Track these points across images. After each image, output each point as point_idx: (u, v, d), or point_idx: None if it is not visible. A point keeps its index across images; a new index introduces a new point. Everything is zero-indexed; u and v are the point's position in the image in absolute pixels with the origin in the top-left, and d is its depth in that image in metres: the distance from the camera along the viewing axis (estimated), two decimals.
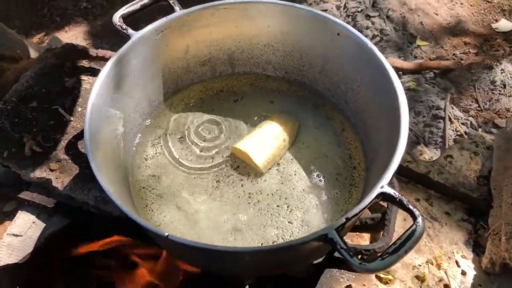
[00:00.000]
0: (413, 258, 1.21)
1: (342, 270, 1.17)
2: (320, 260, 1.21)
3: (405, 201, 0.88)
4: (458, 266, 1.22)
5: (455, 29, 2.38)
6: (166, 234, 0.86)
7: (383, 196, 0.89)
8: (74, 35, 2.40)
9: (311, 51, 1.28)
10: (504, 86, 2.07)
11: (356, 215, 0.87)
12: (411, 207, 0.88)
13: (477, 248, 1.27)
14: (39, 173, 1.29)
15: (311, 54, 1.29)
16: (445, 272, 1.20)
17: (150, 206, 1.16)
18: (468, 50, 2.26)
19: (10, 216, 1.33)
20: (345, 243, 0.83)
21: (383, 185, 0.90)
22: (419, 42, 2.28)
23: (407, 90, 2.02)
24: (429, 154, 1.85)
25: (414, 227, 0.85)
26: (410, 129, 1.94)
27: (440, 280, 1.19)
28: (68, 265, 1.36)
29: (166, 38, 1.24)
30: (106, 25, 2.45)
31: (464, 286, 1.18)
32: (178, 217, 1.13)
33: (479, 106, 2.04)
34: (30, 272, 1.29)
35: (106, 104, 1.11)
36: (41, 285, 1.36)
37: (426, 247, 1.24)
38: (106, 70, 1.11)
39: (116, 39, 2.44)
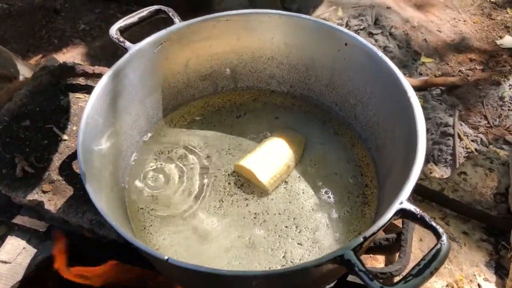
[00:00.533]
0: (432, 281, 1.13)
1: None
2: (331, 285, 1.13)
3: (427, 218, 0.81)
4: None
5: (460, 46, 2.34)
6: (166, 257, 0.78)
7: (403, 213, 0.82)
8: (72, 56, 2.36)
9: (317, 63, 1.23)
10: None
11: (373, 234, 0.79)
12: (434, 224, 0.80)
13: (500, 270, 1.19)
14: (31, 195, 1.21)
15: (317, 66, 1.23)
16: None
17: (148, 229, 1.08)
18: (474, 66, 2.22)
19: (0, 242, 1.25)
20: (363, 264, 0.76)
21: (402, 201, 0.82)
22: (423, 59, 2.24)
23: None
24: (439, 172, 1.78)
25: (439, 246, 0.77)
26: None
27: None
28: None
29: (165, 51, 1.18)
30: (104, 46, 2.42)
31: None
32: (179, 240, 1.06)
33: (488, 122, 1.98)
34: None
35: (101, 121, 1.04)
36: None
37: (445, 270, 1.15)
38: (102, 84, 1.06)
39: (114, 60, 2.39)
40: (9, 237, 1.22)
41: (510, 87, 2.06)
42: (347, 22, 2.36)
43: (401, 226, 1.17)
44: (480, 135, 1.91)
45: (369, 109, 1.15)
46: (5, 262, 1.17)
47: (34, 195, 1.21)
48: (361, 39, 1.11)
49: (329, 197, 1.12)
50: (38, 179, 1.25)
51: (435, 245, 0.77)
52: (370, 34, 2.26)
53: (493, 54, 2.28)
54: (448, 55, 2.28)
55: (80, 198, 1.21)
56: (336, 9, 2.48)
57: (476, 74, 2.16)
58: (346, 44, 1.13)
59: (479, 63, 2.23)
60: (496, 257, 1.22)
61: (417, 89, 2.05)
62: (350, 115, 1.23)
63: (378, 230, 0.80)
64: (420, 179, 1.35)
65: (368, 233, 0.79)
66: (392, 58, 2.18)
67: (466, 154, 1.83)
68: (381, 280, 0.85)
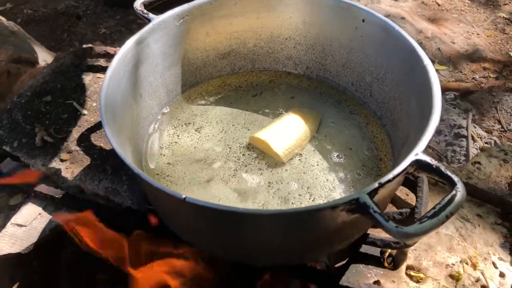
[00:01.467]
0: (445, 256, 1.11)
1: (370, 266, 1.07)
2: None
3: (442, 168, 0.81)
4: (496, 267, 1.12)
5: (473, 56, 2.36)
6: (184, 196, 0.79)
7: (418, 163, 0.83)
8: None
9: (334, 42, 1.25)
10: None
11: (388, 181, 0.80)
12: (449, 173, 0.80)
13: None
14: (49, 163, 1.24)
15: (334, 45, 1.26)
16: (482, 273, 1.10)
17: None
18: (487, 74, 2.24)
19: (16, 210, 1.26)
20: (378, 207, 0.76)
21: (418, 153, 0.83)
22: (437, 66, 2.26)
23: None
24: None
25: (454, 192, 0.77)
26: (432, 148, 1.88)
27: (477, 281, 1.08)
28: (75, 262, 1.27)
29: (187, 26, 1.22)
30: None
31: None
32: None
33: (502, 127, 1.98)
34: (33, 267, 1.21)
35: (122, 83, 1.07)
36: (44, 285, 1.27)
37: (459, 246, 1.14)
38: (125, 48, 1.09)
39: None
40: (26, 203, 1.24)
41: None
42: None
43: (414, 204, 1.17)
44: (494, 137, 1.91)
45: (385, 85, 1.17)
46: (21, 226, 1.18)
47: (52, 163, 1.24)
48: (378, 14, 1.14)
49: (343, 169, 1.13)
50: (57, 148, 1.27)
51: (451, 191, 0.77)
52: None
53: (507, 64, 2.30)
54: (461, 63, 2.30)
55: (97, 167, 1.23)
56: None
57: (489, 82, 2.18)
58: (363, 21, 1.16)
59: (493, 71, 2.25)
60: (511, 240, 1.20)
61: None
62: (365, 94, 1.25)
63: (394, 178, 0.80)
64: None
65: (383, 180, 0.79)
66: None
67: None
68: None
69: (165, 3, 1.27)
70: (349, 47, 1.23)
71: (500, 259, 1.15)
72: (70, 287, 1.31)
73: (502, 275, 1.11)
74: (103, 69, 1.51)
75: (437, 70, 2.23)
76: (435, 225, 0.74)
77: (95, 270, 1.27)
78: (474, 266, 1.11)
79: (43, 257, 1.22)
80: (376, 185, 0.79)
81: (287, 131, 1.17)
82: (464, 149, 1.85)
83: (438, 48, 2.34)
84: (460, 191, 0.78)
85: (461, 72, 2.25)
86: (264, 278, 1.18)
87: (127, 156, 0.90)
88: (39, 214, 1.22)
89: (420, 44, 2.30)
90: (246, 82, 1.36)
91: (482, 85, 2.14)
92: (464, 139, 1.88)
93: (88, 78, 1.46)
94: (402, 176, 0.85)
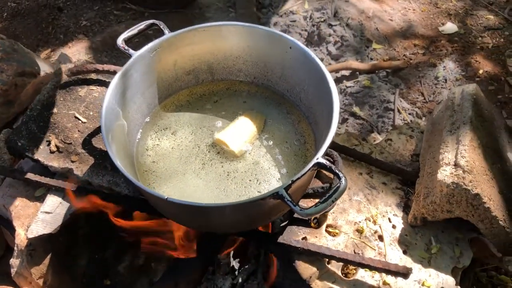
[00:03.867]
0: (354, 216, 1.58)
1: (300, 226, 1.54)
2: (285, 223, 1.58)
3: (333, 167, 1.24)
4: (390, 221, 1.59)
5: (407, 33, 2.76)
6: (165, 196, 1.22)
7: (319, 165, 1.26)
8: (77, 50, 2.76)
9: (272, 60, 1.65)
10: (446, 80, 2.45)
11: (298, 178, 1.23)
12: (337, 171, 1.24)
13: (406, 209, 1.64)
14: (63, 164, 1.64)
15: (272, 63, 1.66)
16: (380, 226, 1.57)
17: (152, 185, 1.51)
18: (416, 51, 2.64)
19: (40, 199, 1.68)
20: (290, 196, 1.19)
21: (318, 157, 1.26)
22: (374, 45, 2.66)
23: (363, 87, 2.40)
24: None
25: (339, 184, 1.21)
26: (366, 120, 2.32)
27: (375, 232, 1.55)
28: (89, 236, 1.71)
29: (158, 55, 1.60)
30: (104, 40, 2.81)
31: (393, 236, 1.55)
32: (174, 192, 1.49)
33: (424, 98, 2.42)
34: (59, 242, 1.65)
35: (115, 108, 1.47)
36: (68, 257, 1.71)
37: (365, 208, 1.61)
38: (114, 82, 1.47)
39: (113, 52, 2.80)
40: (48, 195, 1.65)
41: (444, 68, 2.49)
42: (310, 15, 2.77)
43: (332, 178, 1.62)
44: (416, 109, 2.35)
45: (308, 95, 1.59)
46: (48, 213, 1.60)
47: (65, 164, 1.64)
48: (300, 44, 1.53)
49: (281, 158, 1.56)
50: (67, 152, 1.68)
51: (337, 184, 1.21)
52: (330, 25, 2.67)
53: (434, 40, 2.70)
54: (396, 41, 2.70)
55: (100, 165, 1.64)
56: (303, 3, 2.89)
57: (417, 58, 2.59)
58: (290, 48, 1.56)
59: (421, 47, 2.66)
60: (405, 200, 1.67)
61: (366, 72, 2.48)
62: (297, 99, 1.66)
63: (301, 175, 1.23)
64: (354, 145, 1.81)
65: (294, 178, 1.22)
66: (347, 46, 2.61)
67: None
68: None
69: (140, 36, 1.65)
70: (282, 65, 1.63)
71: (395, 215, 1.61)
72: (86, 255, 1.76)
73: (394, 226, 1.58)
74: (94, 82, 1.88)
75: (374, 49, 2.65)
76: (324, 207, 1.18)
77: (104, 242, 1.71)
78: (374, 222, 1.57)
79: (66, 234, 1.65)
80: (289, 182, 1.22)
81: (240, 131, 1.59)
82: (391, 120, 2.29)
83: (377, 28, 2.73)
84: (343, 184, 1.21)
85: (395, 49, 2.65)
86: (227, 240, 1.65)
87: (126, 170, 1.32)
88: (60, 203, 1.63)
89: (361, 25, 2.69)
90: (208, 90, 1.76)
91: (411, 61, 2.55)
92: (391, 112, 2.31)
93: (83, 90, 1.84)
94: (311, 172, 1.28)
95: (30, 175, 1.66)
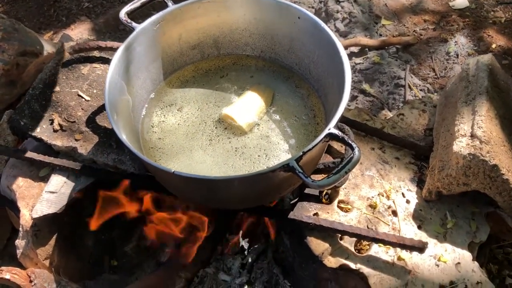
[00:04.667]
0: (367, 192, 1.53)
1: (311, 202, 1.49)
2: (295, 200, 1.54)
3: (346, 138, 1.19)
4: (404, 196, 1.54)
5: (416, 8, 2.69)
6: (172, 170, 1.17)
7: (331, 135, 1.20)
8: (79, 32, 2.71)
9: (279, 33, 1.60)
10: (457, 56, 2.38)
11: (310, 149, 1.18)
12: (350, 141, 1.19)
13: (420, 183, 1.59)
14: (67, 143, 1.60)
15: (279, 35, 1.60)
16: (393, 201, 1.52)
17: (158, 162, 1.47)
18: (427, 26, 2.57)
19: (45, 179, 1.64)
20: (302, 168, 1.15)
21: (330, 128, 1.21)
22: (383, 21, 2.59)
23: (372, 64, 2.34)
24: None
25: (352, 155, 1.16)
26: (376, 97, 2.26)
27: (389, 207, 1.51)
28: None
29: (162, 29, 1.55)
30: (107, 22, 2.76)
31: (408, 211, 1.50)
32: (182, 167, 1.45)
33: (436, 74, 2.35)
34: (64, 222, 1.61)
35: (119, 82, 1.42)
36: (74, 238, 1.68)
37: (378, 183, 1.56)
38: (117, 55, 1.42)
39: (116, 33, 2.75)
40: (53, 175, 1.61)
41: (456, 43, 2.42)
42: None
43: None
44: (428, 85, 2.29)
45: (318, 67, 1.53)
46: (53, 192, 1.56)
47: (69, 143, 1.60)
48: (309, 13, 1.48)
49: (290, 133, 1.51)
50: (71, 131, 1.63)
51: (350, 155, 1.16)
52: (337, 2, 2.61)
53: (445, 15, 2.63)
54: (405, 17, 2.63)
55: (105, 143, 1.60)
56: None
57: (428, 33, 2.52)
58: (299, 18, 1.50)
59: (432, 23, 2.59)
60: (419, 175, 1.61)
61: (376, 48, 2.41)
62: (306, 72, 1.61)
63: (313, 147, 1.18)
64: (366, 120, 1.75)
65: (305, 149, 1.18)
66: (356, 22, 2.54)
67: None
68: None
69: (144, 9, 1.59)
70: (290, 37, 1.57)
71: (409, 190, 1.56)
72: (93, 236, 1.72)
73: (408, 201, 1.53)
74: (97, 60, 1.83)
75: (383, 25, 2.58)
76: (337, 178, 1.13)
77: (110, 222, 1.67)
78: (388, 197, 1.53)
79: (71, 214, 1.62)
80: (300, 153, 1.17)
81: (248, 106, 1.54)
82: (402, 96, 2.23)
83: (385, 4, 2.66)
84: (356, 154, 1.16)
85: (404, 25, 2.58)
86: (237, 217, 1.61)
87: (131, 145, 1.28)
88: (65, 182, 1.60)
89: (370, 1, 2.62)
90: (214, 65, 1.71)
91: (422, 37, 2.48)
92: (402, 88, 2.25)
93: (86, 68, 1.80)
94: (322, 144, 1.23)
95: (33, 155, 1.62)
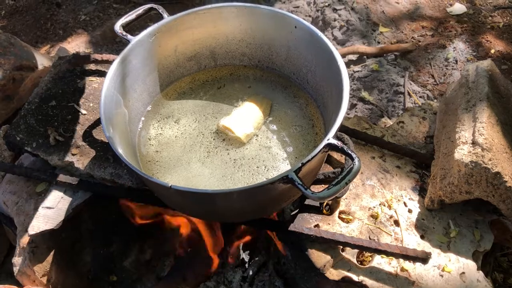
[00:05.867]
0: (368, 201, 1.51)
1: (312, 214, 1.47)
2: (295, 212, 1.52)
3: (345, 148, 1.17)
4: (406, 206, 1.52)
5: (414, 15, 2.68)
6: (170, 184, 1.15)
7: (330, 146, 1.18)
8: (76, 45, 2.70)
9: (276, 42, 1.58)
10: (456, 62, 2.37)
11: (309, 161, 1.16)
12: (350, 151, 1.17)
13: (422, 192, 1.56)
14: (63, 157, 1.58)
15: (276, 44, 1.59)
16: (395, 211, 1.49)
17: (156, 175, 1.45)
18: (425, 32, 2.56)
19: (42, 195, 1.62)
20: (301, 180, 1.12)
21: (329, 138, 1.19)
22: (381, 29, 2.58)
23: (371, 71, 2.32)
24: None
25: (352, 165, 1.14)
26: (375, 105, 2.24)
27: (391, 217, 1.48)
28: (92, 231, 1.65)
29: (158, 40, 1.53)
30: (104, 34, 2.75)
31: (410, 221, 1.48)
32: (179, 181, 1.43)
33: (435, 80, 2.34)
34: (62, 237, 1.59)
35: (115, 95, 1.41)
36: (72, 254, 1.66)
37: (379, 193, 1.53)
38: (113, 68, 1.41)
39: (113, 45, 2.74)
40: (50, 190, 1.59)
41: (454, 49, 2.41)
42: (314, 0, 2.70)
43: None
44: (427, 91, 2.27)
45: (316, 76, 1.51)
46: (50, 208, 1.54)
47: (66, 158, 1.58)
48: (306, 22, 1.46)
49: (289, 143, 1.49)
50: (67, 145, 1.62)
51: (349, 165, 1.14)
52: (335, 10, 2.60)
53: (442, 21, 2.62)
54: (403, 24, 2.62)
55: (102, 158, 1.58)
56: None
57: (426, 39, 2.51)
58: (295, 27, 1.49)
59: (430, 29, 2.58)
60: (421, 183, 1.59)
61: (374, 55, 2.40)
62: (304, 82, 1.59)
63: (312, 158, 1.16)
64: (365, 128, 1.73)
65: (304, 160, 1.16)
66: (353, 30, 2.53)
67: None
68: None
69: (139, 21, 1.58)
70: (287, 46, 1.56)
71: (410, 199, 1.54)
72: (91, 251, 1.70)
73: (410, 211, 1.50)
74: (93, 73, 1.82)
75: (381, 33, 2.57)
76: (337, 190, 1.11)
77: (109, 237, 1.65)
78: (389, 207, 1.50)
79: (69, 230, 1.60)
80: (299, 164, 1.15)
81: (245, 117, 1.52)
82: (402, 104, 2.21)
83: (383, 11, 2.65)
84: (356, 164, 1.14)
85: (402, 32, 2.57)
86: (238, 230, 1.59)
87: (128, 159, 1.26)
88: (62, 197, 1.57)
89: (367, 9, 2.61)
90: (211, 76, 1.70)
91: (420, 43, 2.47)
92: (402, 95, 2.24)
93: (82, 82, 1.78)
94: (321, 154, 1.21)
95: (29, 170, 1.60)
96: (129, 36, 1.49)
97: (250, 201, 1.27)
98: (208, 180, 1.42)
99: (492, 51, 2.43)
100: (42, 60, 2.04)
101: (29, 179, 1.65)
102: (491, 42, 2.48)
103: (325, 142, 1.18)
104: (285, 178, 1.13)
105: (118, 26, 1.52)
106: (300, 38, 1.50)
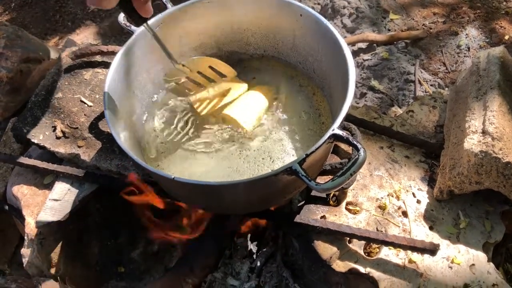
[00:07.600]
0: (376, 192, 1.48)
1: (318, 205, 1.45)
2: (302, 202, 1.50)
3: (351, 139, 1.15)
4: (414, 196, 1.49)
5: (425, 1, 2.62)
6: (172, 176, 1.14)
7: (335, 136, 1.16)
8: (85, 36, 2.70)
9: (282, 31, 1.56)
10: (469, 49, 2.32)
11: (313, 152, 1.14)
12: (355, 142, 1.14)
13: (431, 182, 1.54)
14: (69, 149, 1.59)
15: (282, 33, 1.56)
16: (403, 202, 1.47)
17: (160, 166, 1.45)
18: (436, 19, 2.51)
19: (49, 187, 1.63)
20: (305, 171, 1.11)
21: (334, 128, 1.17)
22: (391, 16, 2.53)
23: (381, 59, 2.28)
24: None
25: (357, 156, 1.11)
26: (385, 94, 2.21)
27: (399, 208, 1.46)
28: (99, 222, 1.66)
29: (162, 31, 1.51)
30: (112, 25, 2.74)
31: (418, 212, 1.45)
32: (184, 172, 1.42)
33: (446, 68, 2.29)
34: (69, 229, 1.60)
35: (119, 86, 1.39)
36: (80, 245, 1.66)
37: (387, 183, 1.51)
38: (117, 59, 1.40)
39: (122, 37, 2.74)
40: (56, 182, 1.60)
41: (466, 36, 2.35)
42: None
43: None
44: (438, 80, 2.23)
45: (323, 65, 1.49)
46: (56, 200, 1.55)
47: (72, 150, 1.59)
48: (312, 10, 1.43)
49: (295, 133, 1.47)
50: (73, 137, 1.62)
51: (355, 156, 1.12)
52: None
53: (455, 7, 2.56)
54: (414, 11, 2.56)
55: (108, 149, 1.58)
56: None
57: (438, 26, 2.46)
58: (301, 15, 1.46)
59: (441, 16, 2.52)
60: (430, 173, 1.56)
61: (384, 43, 2.36)
62: (310, 71, 1.56)
63: (316, 149, 1.14)
64: (374, 118, 1.71)
65: (308, 151, 1.14)
66: (363, 18, 2.49)
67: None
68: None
69: None
70: (293, 35, 1.53)
71: (419, 189, 1.51)
72: (98, 243, 1.71)
73: (418, 202, 1.48)
74: (99, 64, 1.82)
75: (392, 20, 2.52)
76: (342, 181, 1.09)
77: (116, 228, 1.66)
78: (398, 197, 1.48)
79: (76, 221, 1.60)
80: (303, 156, 1.13)
81: (250, 106, 1.51)
82: (412, 92, 2.17)
83: None
84: (361, 155, 1.12)
85: (413, 19, 2.52)
86: (244, 221, 1.58)
87: (133, 152, 1.25)
88: (68, 189, 1.58)
89: None
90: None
91: (431, 30, 2.42)
92: (412, 84, 2.20)
93: (88, 74, 1.78)
94: (327, 145, 1.19)
95: (37, 162, 1.61)
96: (133, 27, 1.48)
97: (255, 193, 1.26)
98: (214, 171, 1.41)
99: (506, 37, 2.38)
100: (49, 52, 2.03)
101: (36, 171, 1.66)
102: (505, 28, 2.42)
103: (330, 132, 1.16)
104: (289, 170, 1.11)
105: (122, 17, 1.51)
106: (306, 26, 1.47)
